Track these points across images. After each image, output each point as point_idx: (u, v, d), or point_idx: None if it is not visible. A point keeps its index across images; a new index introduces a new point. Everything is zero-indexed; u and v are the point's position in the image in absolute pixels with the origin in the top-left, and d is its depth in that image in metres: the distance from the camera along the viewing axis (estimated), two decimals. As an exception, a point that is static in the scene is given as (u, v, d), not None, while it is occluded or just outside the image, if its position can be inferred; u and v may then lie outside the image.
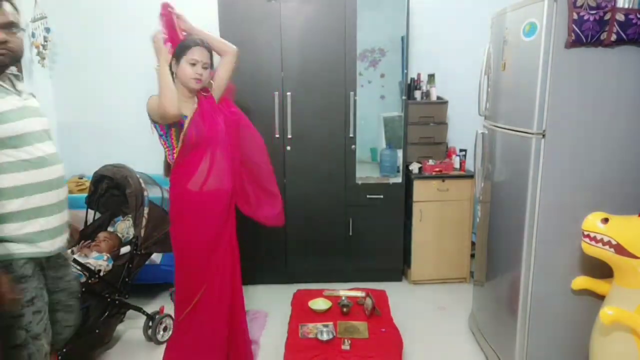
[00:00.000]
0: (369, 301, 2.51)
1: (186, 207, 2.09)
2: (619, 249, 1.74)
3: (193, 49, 2.04)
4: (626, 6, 1.88)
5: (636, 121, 1.96)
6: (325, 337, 2.26)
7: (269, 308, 3.04)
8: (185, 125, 2.04)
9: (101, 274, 2.23)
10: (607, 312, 1.72)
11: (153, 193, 2.50)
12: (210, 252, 2.13)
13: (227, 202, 2.17)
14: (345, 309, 2.49)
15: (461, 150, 3.38)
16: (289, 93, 3.11)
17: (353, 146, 3.19)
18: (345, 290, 2.76)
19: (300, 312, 2.53)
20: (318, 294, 2.70)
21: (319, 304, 2.58)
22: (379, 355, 2.15)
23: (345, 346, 2.20)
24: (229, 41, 3.04)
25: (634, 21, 1.84)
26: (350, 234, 3.32)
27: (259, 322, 2.87)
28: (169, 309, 2.89)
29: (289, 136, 3.17)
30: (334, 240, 3.33)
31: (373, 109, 3.46)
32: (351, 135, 3.17)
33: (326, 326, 2.35)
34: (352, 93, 3.12)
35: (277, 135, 3.17)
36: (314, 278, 3.29)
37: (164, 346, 2.60)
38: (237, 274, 2.27)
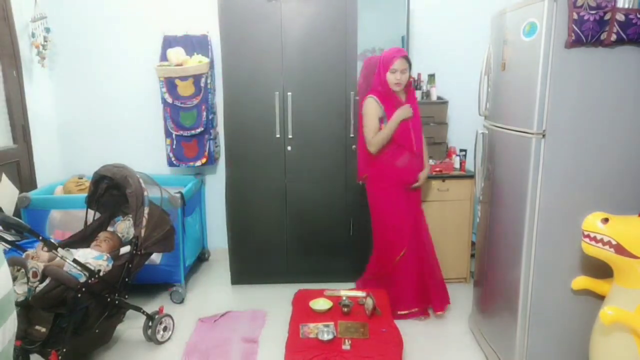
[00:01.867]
0: (369, 301, 2.51)
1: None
2: (619, 249, 1.75)
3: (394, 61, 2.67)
4: (626, 6, 1.88)
5: (636, 121, 1.96)
6: (326, 337, 2.25)
7: (270, 308, 3.05)
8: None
9: (101, 274, 2.23)
10: (607, 312, 1.72)
11: (152, 193, 2.50)
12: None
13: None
14: (346, 309, 2.49)
15: (461, 150, 3.38)
16: (289, 93, 3.11)
17: (354, 146, 3.19)
18: (346, 290, 2.76)
19: (301, 312, 2.52)
20: (319, 293, 2.70)
21: (320, 303, 2.58)
22: (380, 355, 2.15)
23: (346, 346, 2.20)
24: (228, 41, 3.06)
25: (634, 21, 1.84)
26: (351, 233, 3.32)
27: (259, 322, 2.87)
28: (169, 309, 2.91)
29: (290, 136, 3.17)
30: (335, 240, 3.33)
31: (373, 109, 3.45)
32: (352, 135, 3.17)
33: (327, 326, 2.35)
34: (352, 93, 3.12)
35: (278, 135, 3.17)
36: (314, 278, 3.29)
37: (163, 346, 2.62)
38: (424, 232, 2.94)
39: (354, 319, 2.44)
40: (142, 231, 2.38)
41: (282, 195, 3.28)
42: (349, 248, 3.34)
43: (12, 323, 1.22)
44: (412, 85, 2.93)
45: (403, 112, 2.73)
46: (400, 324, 2.47)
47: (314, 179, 3.25)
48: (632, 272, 1.76)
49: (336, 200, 3.27)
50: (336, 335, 2.28)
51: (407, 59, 2.71)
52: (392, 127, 2.71)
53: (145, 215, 2.38)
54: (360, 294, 2.68)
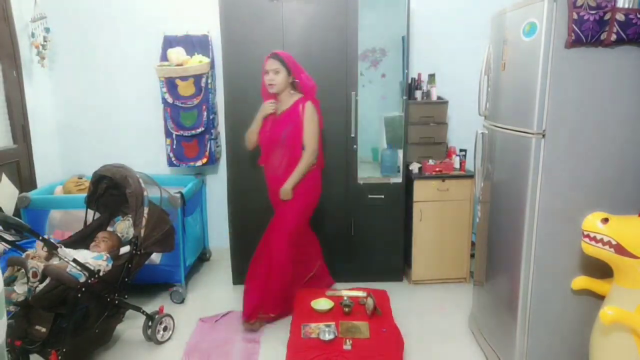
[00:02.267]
0: (370, 301, 2.51)
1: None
2: (619, 249, 1.75)
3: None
4: (626, 6, 1.88)
5: (636, 121, 1.96)
6: (327, 337, 2.26)
7: (270, 308, 3.04)
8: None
9: (101, 273, 2.23)
10: (607, 312, 1.72)
11: (152, 193, 2.50)
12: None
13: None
14: (347, 309, 2.49)
15: (461, 150, 3.38)
16: (289, 93, 3.11)
17: (355, 146, 3.19)
18: (347, 290, 2.76)
19: (303, 312, 2.53)
20: (320, 293, 2.70)
21: (321, 304, 2.58)
22: (380, 355, 2.16)
23: (347, 346, 2.20)
24: (229, 41, 3.06)
25: (634, 21, 1.84)
26: (352, 233, 3.32)
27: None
28: (169, 308, 2.91)
29: (290, 136, 3.17)
30: (336, 240, 3.32)
31: (374, 109, 3.45)
32: (352, 135, 3.17)
33: (328, 326, 2.35)
34: (353, 93, 3.12)
35: (278, 135, 3.17)
36: (314, 278, 3.28)
37: (163, 346, 2.62)
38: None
39: (354, 319, 2.44)
40: (142, 231, 2.38)
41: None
42: (350, 248, 3.34)
43: (3, 324, 1.21)
44: (308, 92, 2.72)
45: (260, 109, 2.74)
46: (401, 324, 2.47)
47: (314, 179, 3.24)
48: (632, 272, 1.76)
49: (337, 200, 3.27)
50: (337, 335, 2.28)
51: (277, 58, 2.63)
52: (254, 122, 2.78)
53: (145, 215, 2.38)
54: (361, 293, 2.68)
